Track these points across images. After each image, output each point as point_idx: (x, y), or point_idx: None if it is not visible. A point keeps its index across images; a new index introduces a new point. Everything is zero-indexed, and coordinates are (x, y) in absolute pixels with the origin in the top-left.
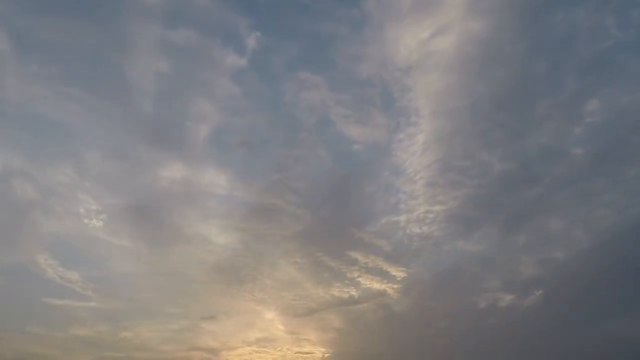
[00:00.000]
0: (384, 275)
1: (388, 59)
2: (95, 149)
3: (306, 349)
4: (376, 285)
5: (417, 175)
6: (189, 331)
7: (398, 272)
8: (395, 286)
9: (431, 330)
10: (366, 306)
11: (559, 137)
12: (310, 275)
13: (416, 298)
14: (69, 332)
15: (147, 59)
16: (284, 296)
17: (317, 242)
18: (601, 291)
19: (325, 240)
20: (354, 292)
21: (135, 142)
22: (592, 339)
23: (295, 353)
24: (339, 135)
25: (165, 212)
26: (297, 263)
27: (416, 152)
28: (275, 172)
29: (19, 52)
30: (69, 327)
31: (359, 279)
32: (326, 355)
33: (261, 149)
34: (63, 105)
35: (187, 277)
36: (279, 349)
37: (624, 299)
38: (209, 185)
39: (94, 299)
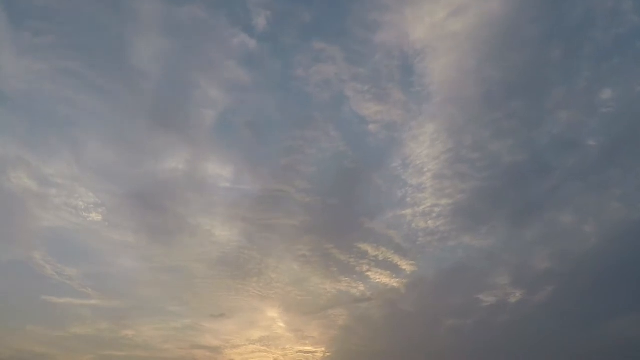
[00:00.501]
0: (393, 270)
1: (409, 29)
2: (95, 134)
3: (309, 348)
4: (385, 279)
5: (426, 167)
6: (191, 329)
7: (408, 266)
8: (404, 281)
9: (439, 328)
10: (373, 303)
11: (573, 128)
12: (318, 268)
13: (423, 294)
14: (69, 330)
15: (150, 36)
16: (289, 292)
17: (325, 233)
18: (613, 286)
19: (334, 231)
20: (362, 288)
21: (137, 126)
22: (604, 335)
23: (297, 352)
24: (353, 113)
25: (168, 203)
26: (305, 256)
27: (425, 142)
28: (284, 156)
29: (10, 20)
30: (69, 326)
31: (368, 273)
32: (327, 354)
33: (270, 130)
34: (59, 81)
35: (190, 273)
36: (281, 347)
37: (637, 294)
38: (214, 173)
39: (94, 296)
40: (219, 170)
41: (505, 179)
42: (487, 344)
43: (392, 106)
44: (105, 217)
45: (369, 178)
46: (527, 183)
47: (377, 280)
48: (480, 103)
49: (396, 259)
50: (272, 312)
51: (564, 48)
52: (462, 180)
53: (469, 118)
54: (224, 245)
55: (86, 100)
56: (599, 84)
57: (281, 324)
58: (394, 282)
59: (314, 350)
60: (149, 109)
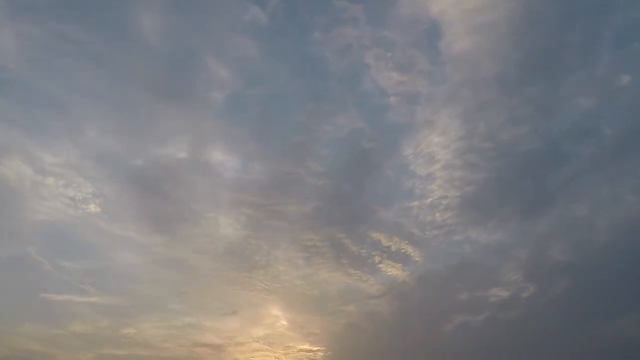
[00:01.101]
0: (405, 262)
1: (428, 2)
2: (95, 117)
3: (314, 347)
4: (397, 272)
5: (437, 156)
6: (193, 328)
7: (420, 259)
8: (415, 275)
9: (448, 324)
10: (383, 299)
11: (590, 116)
12: (329, 260)
13: (434, 289)
14: (69, 329)
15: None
16: (296, 286)
17: (338, 221)
18: (629, 282)
19: (347, 218)
20: (373, 281)
21: (139, 106)
22: (619, 331)
23: (299, 351)
24: (374, 84)
25: (171, 191)
26: (316, 247)
27: (438, 128)
28: (296, 134)
29: None
30: (69, 324)
31: (380, 266)
32: (329, 353)
33: (281, 106)
34: (56, 47)
35: (193, 266)
36: (285, 346)
37: None
38: (221, 158)
39: (94, 293)
40: (226, 154)
41: (517, 170)
42: (498, 341)
43: (417, 76)
44: (106, 209)
45: (387, 160)
46: (540, 174)
47: (389, 273)
48: (496, 87)
49: (410, 250)
50: (277, 309)
51: (584, 31)
52: (472, 171)
53: (483, 103)
54: (230, 236)
55: (85, 76)
56: (618, 70)
57: (285, 322)
58: (405, 276)
59: (318, 349)
60: (152, 88)
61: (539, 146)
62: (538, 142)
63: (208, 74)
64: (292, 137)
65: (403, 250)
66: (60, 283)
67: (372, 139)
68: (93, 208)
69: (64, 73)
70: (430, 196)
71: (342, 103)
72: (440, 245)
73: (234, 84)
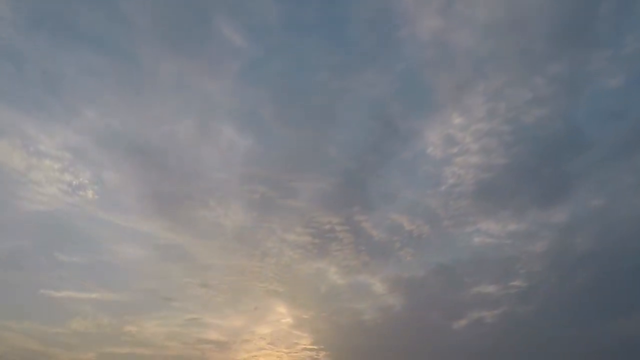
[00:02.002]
0: (423, 250)
1: None
2: (94, 91)
3: (316, 345)
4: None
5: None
6: (196, 325)
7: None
8: (430, 267)
9: (460, 320)
10: (397, 293)
11: (618, 97)
12: (346, 245)
13: (448, 282)
14: (69, 326)
15: None
16: (307, 278)
17: (358, 199)
18: None
19: (368, 197)
20: (388, 272)
21: (144, 66)
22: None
23: (303, 350)
24: (410, 35)
25: (177, 173)
26: (333, 230)
27: (458, 107)
28: (318, 93)
29: None
30: (69, 321)
31: (400, 253)
32: (333, 352)
33: (302, 59)
34: (55, 20)
35: (199, 257)
36: (288, 345)
37: None
38: (232, 131)
39: (94, 289)
40: (238, 126)
41: (537, 155)
42: (514, 335)
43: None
44: (106, 196)
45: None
46: (560, 160)
47: (408, 259)
48: (520, 62)
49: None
50: (283, 305)
51: (616, 4)
52: (488, 156)
53: (506, 80)
54: (239, 219)
55: (86, 53)
56: None
57: (290, 319)
58: (420, 268)
59: (321, 347)
60: (157, 61)
61: (560, 130)
62: (560, 125)
63: (221, 37)
64: (312, 98)
65: (424, 235)
66: (58, 278)
67: (401, 105)
68: (92, 195)
69: (62, 48)
70: (444, 183)
71: (374, 56)
72: (453, 235)
73: (250, 49)
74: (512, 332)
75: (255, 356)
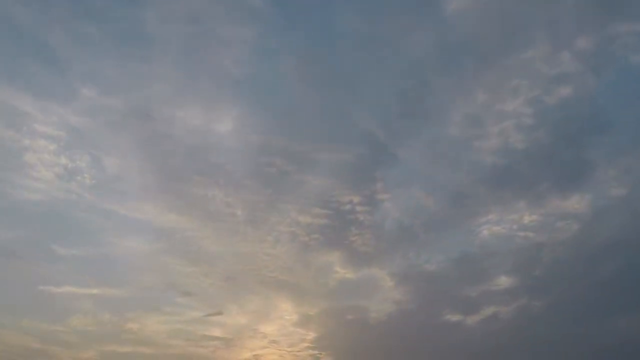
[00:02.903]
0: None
1: None
2: (94, 63)
3: (319, 344)
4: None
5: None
6: (200, 323)
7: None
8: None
9: (474, 317)
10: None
11: None
12: (364, 230)
13: (464, 276)
14: (69, 324)
15: None
16: (314, 273)
17: (381, 171)
18: None
19: (395, 172)
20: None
21: (147, 57)
22: None
23: (307, 350)
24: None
25: (184, 154)
26: (354, 212)
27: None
28: (348, 49)
29: None
30: (68, 318)
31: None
32: (336, 352)
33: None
34: None
35: (205, 246)
36: (292, 344)
37: None
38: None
39: (95, 284)
40: (254, 100)
41: (554, 139)
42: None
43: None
44: (106, 183)
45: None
46: (582, 144)
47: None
48: (546, 37)
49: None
50: (290, 302)
51: None
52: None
53: (531, 56)
54: (251, 199)
55: (87, 29)
56: None
57: (294, 317)
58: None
59: (325, 348)
60: (163, 39)
61: (583, 111)
62: (584, 106)
63: None
64: (337, 66)
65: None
66: (57, 273)
67: (427, 76)
68: (90, 181)
69: (62, 23)
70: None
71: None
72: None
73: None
74: (528, 328)
75: (260, 354)
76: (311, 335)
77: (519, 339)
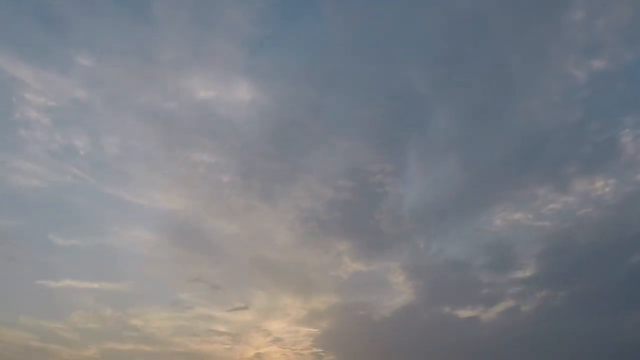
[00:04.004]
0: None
1: None
2: (94, 41)
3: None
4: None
5: None
6: (205, 320)
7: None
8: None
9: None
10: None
11: None
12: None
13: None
14: (70, 321)
15: None
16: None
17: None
18: None
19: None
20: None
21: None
22: None
23: (312, 351)
24: None
25: (193, 131)
26: (383, 184)
27: None
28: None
29: None
30: (69, 315)
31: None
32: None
33: None
34: None
35: (210, 235)
36: (296, 343)
37: None
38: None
39: (96, 278)
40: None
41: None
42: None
43: None
44: (109, 164)
45: None
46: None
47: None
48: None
49: None
50: (291, 300)
51: None
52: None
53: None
54: (268, 167)
55: None
56: None
57: (302, 311)
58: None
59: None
60: None
61: (613, 86)
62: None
63: None
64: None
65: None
66: (56, 266)
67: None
68: (90, 162)
69: None
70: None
71: None
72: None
73: None
74: (549, 321)
75: (264, 353)
76: (319, 332)
77: (539, 333)
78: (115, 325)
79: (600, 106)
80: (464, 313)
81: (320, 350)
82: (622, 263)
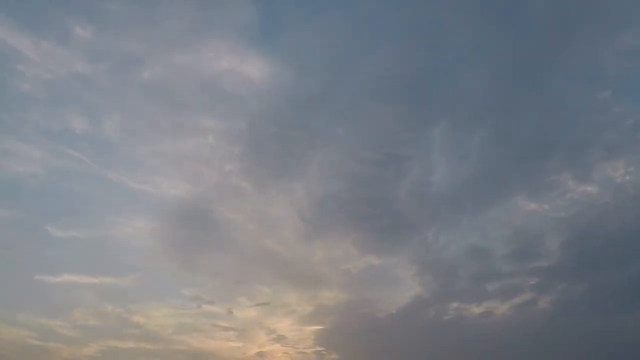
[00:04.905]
0: None
1: None
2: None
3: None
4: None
5: None
6: (210, 317)
7: None
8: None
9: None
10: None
11: None
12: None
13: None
14: (70, 318)
15: None
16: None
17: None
18: None
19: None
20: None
21: None
22: None
23: (314, 350)
24: None
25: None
26: (410, 158)
27: None
28: None
29: None
30: (69, 312)
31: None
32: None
33: None
34: None
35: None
36: (300, 343)
37: None
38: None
39: (96, 272)
40: None
41: None
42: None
43: None
44: (110, 147)
45: None
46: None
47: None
48: None
49: None
50: (298, 294)
51: None
52: None
53: None
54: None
55: None
56: None
57: (305, 309)
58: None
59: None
60: None
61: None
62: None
63: None
64: None
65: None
66: (54, 260)
67: None
68: (90, 144)
69: None
70: None
71: None
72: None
73: None
74: (567, 315)
75: (267, 351)
76: (322, 329)
77: (556, 328)
78: (116, 323)
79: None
80: (476, 309)
81: (322, 348)
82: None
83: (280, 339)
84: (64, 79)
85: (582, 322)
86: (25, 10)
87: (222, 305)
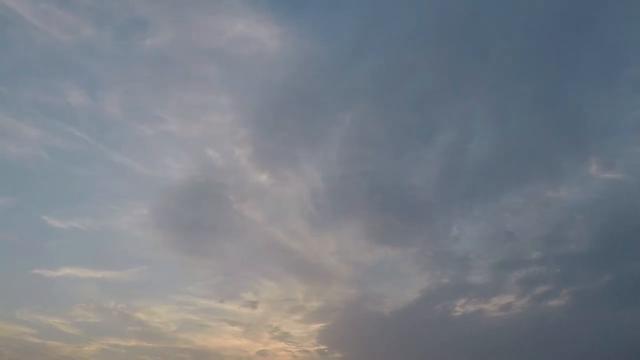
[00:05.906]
0: None
1: None
2: None
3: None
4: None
5: None
6: (213, 313)
7: None
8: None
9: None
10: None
11: None
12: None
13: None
14: (70, 315)
15: None
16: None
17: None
18: None
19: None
20: None
21: None
22: None
23: (316, 350)
24: None
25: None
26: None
27: None
28: None
29: None
30: (69, 308)
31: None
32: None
33: None
34: None
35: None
36: (302, 343)
37: None
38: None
39: (97, 266)
40: None
41: None
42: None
43: None
44: (111, 125)
45: None
46: None
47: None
48: None
49: None
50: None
51: None
52: None
53: None
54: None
55: None
56: None
57: (314, 305)
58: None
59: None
60: None
61: None
62: None
63: None
64: None
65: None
66: (53, 253)
67: None
68: (89, 121)
69: None
70: None
71: None
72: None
73: None
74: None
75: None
76: (325, 327)
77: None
78: (118, 320)
79: None
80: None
81: (325, 347)
82: None
83: (284, 336)
84: (64, 46)
85: (602, 316)
86: None
87: (227, 301)
